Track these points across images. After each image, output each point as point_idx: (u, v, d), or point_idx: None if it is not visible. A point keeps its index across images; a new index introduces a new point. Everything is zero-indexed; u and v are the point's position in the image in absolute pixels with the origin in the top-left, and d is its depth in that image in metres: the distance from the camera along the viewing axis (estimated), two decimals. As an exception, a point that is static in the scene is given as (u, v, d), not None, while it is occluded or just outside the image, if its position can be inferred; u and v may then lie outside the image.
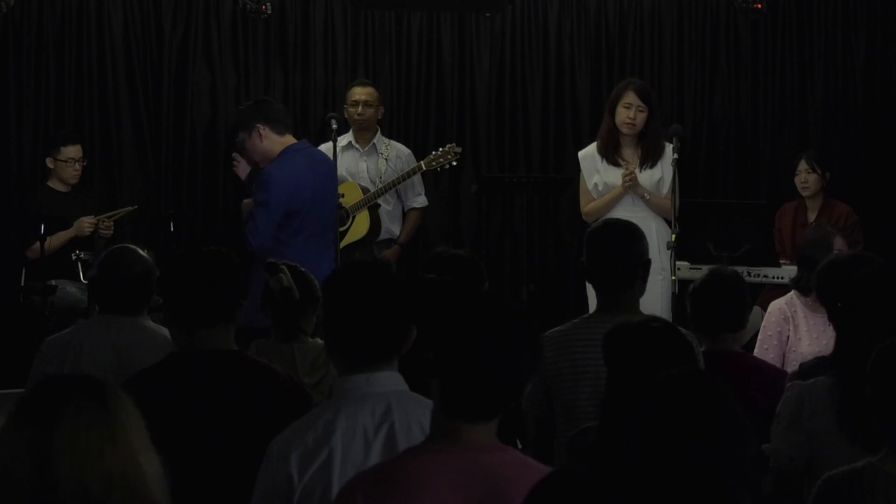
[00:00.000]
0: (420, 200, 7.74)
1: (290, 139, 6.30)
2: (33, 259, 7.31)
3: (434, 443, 2.56)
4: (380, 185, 7.45)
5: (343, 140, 7.46)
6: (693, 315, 4.49)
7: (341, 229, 7.24)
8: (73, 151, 7.58)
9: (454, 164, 7.44)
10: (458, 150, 7.40)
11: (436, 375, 2.56)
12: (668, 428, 2.25)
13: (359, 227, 7.41)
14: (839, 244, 5.86)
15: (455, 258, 4.59)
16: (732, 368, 4.25)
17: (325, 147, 7.35)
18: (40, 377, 2.27)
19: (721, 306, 4.42)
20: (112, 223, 7.45)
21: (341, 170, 7.22)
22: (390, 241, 7.62)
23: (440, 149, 7.43)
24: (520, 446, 4.43)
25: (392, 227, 7.60)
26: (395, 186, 7.44)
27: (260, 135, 6.22)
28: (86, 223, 7.39)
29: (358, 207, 7.40)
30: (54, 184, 7.62)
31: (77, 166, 7.59)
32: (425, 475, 2.48)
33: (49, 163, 7.60)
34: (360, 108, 7.55)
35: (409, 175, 7.42)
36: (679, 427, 2.25)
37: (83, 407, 2.16)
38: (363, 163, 7.59)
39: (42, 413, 2.15)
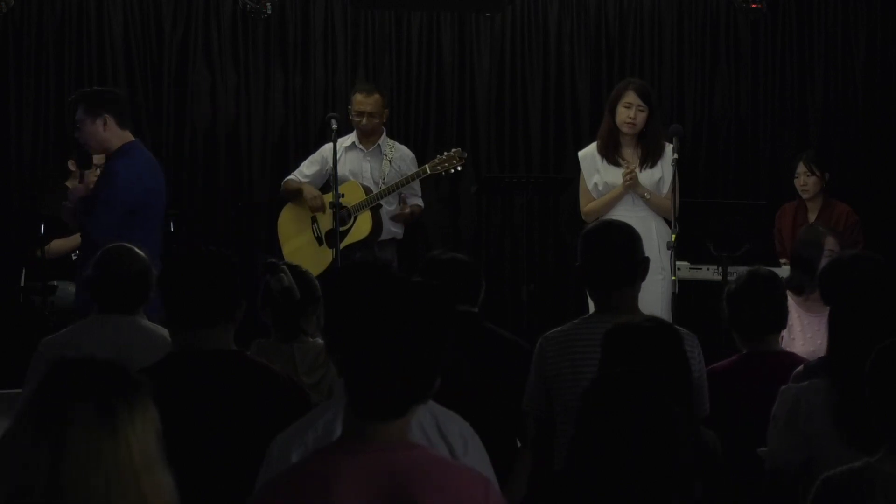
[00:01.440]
0: (417, 201, 7.69)
1: (129, 136, 6.30)
2: (46, 259, 7.35)
3: (343, 442, 2.51)
4: (383, 187, 7.42)
5: (347, 140, 7.43)
6: (732, 318, 4.48)
7: (342, 229, 7.23)
8: (96, 160, 7.58)
9: (459, 168, 7.35)
10: (465, 155, 7.31)
11: (341, 373, 2.51)
12: (601, 430, 2.27)
13: (361, 227, 7.39)
14: (830, 244, 5.83)
15: (452, 261, 4.59)
16: (778, 369, 4.24)
17: (326, 147, 7.35)
18: (44, 379, 2.22)
19: (762, 308, 4.41)
20: None
21: (343, 169, 7.20)
22: (392, 242, 7.59)
23: (445, 153, 7.34)
24: (519, 446, 4.44)
25: (393, 227, 7.58)
26: (398, 189, 7.39)
27: (105, 123, 6.20)
28: None
29: (360, 208, 7.37)
30: (73, 185, 7.60)
31: (98, 172, 7.59)
32: (332, 476, 2.44)
33: (70, 165, 7.58)
34: (364, 119, 7.49)
35: (413, 178, 7.35)
36: (613, 429, 2.26)
37: (90, 426, 2.14)
38: (367, 163, 7.55)
39: (49, 431, 2.13)
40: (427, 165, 7.34)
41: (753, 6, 8.53)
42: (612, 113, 6.81)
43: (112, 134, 6.22)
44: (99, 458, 2.11)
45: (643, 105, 6.75)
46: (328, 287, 3.17)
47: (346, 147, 7.35)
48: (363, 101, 7.49)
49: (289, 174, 7.80)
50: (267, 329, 4.70)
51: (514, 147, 8.76)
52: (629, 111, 6.75)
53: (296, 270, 4.63)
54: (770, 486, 3.67)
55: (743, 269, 4.96)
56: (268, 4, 8.19)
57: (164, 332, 4.05)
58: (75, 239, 7.38)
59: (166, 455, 2.28)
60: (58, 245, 7.36)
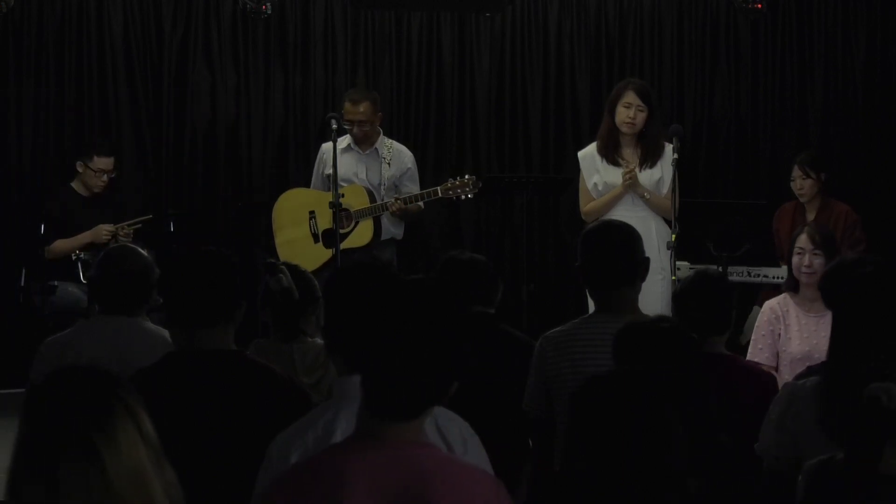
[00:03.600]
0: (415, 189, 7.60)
1: None
2: (50, 259, 7.35)
3: (356, 440, 2.52)
4: (384, 191, 7.39)
5: (342, 142, 7.36)
6: (678, 318, 4.44)
7: (342, 231, 7.21)
8: (104, 163, 7.57)
9: (471, 196, 7.25)
10: (480, 184, 7.21)
11: (358, 372, 2.52)
12: (595, 430, 2.26)
13: (362, 234, 7.34)
14: (802, 242, 5.81)
15: (470, 262, 4.61)
16: (721, 371, 4.23)
17: (326, 147, 7.33)
18: (30, 419, 2.26)
19: (707, 309, 4.38)
20: (131, 231, 7.44)
21: (340, 171, 7.16)
22: (391, 242, 7.58)
23: (459, 178, 7.23)
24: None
25: (392, 228, 7.55)
26: (406, 205, 7.31)
27: None
28: (104, 230, 7.39)
29: (364, 215, 7.34)
30: (78, 186, 7.61)
31: (105, 178, 7.58)
32: (345, 472, 2.45)
33: (79, 167, 7.58)
34: (355, 128, 7.44)
35: (422, 197, 7.25)
36: (605, 427, 2.26)
37: (75, 463, 2.16)
38: (362, 165, 7.52)
39: (42, 473, 2.17)
40: (439, 188, 7.23)
41: (753, 6, 8.53)
42: (612, 113, 6.81)
43: None
44: (89, 488, 2.14)
45: (643, 105, 6.75)
46: (329, 287, 3.15)
47: (341, 149, 7.30)
48: (352, 111, 7.41)
49: (289, 175, 7.80)
50: (267, 329, 4.70)
51: (514, 147, 8.76)
52: (629, 111, 6.74)
53: (295, 271, 4.63)
54: (765, 484, 3.67)
55: (692, 270, 4.95)
56: (268, 4, 8.19)
57: (165, 332, 4.05)
58: (80, 238, 7.39)
59: (165, 454, 2.28)
60: (61, 245, 7.36)
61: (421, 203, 7.41)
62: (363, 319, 2.52)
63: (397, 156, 7.54)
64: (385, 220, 7.46)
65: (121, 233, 7.39)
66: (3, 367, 7.58)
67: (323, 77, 8.61)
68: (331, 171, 7.17)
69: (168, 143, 8.47)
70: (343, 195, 7.01)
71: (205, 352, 3.48)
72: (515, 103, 8.77)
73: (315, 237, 7.47)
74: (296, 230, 7.50)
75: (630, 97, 6.75)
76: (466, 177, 7.24)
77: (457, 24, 8.74)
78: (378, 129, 7.57)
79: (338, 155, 7.00)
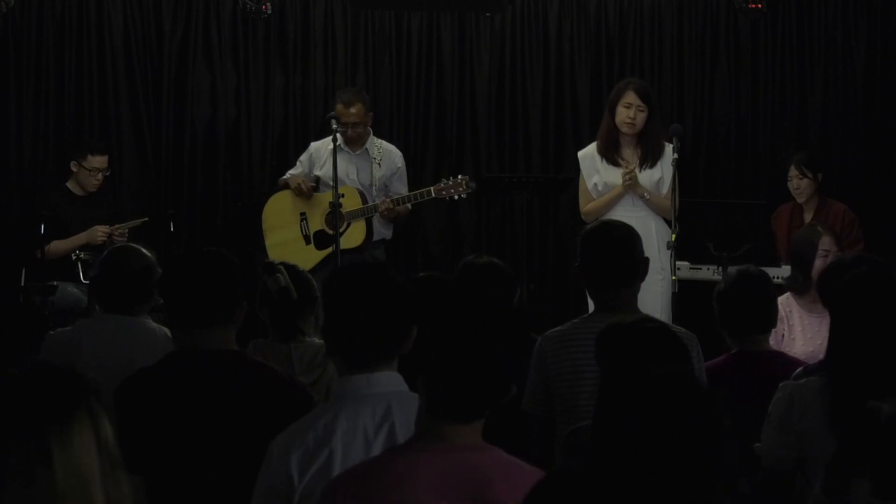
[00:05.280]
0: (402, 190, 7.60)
1: None
2: (50, 260, 7.34)
3: (419, 441, 2.56)
4: (375, 191, 7.38)
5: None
6: (722, 318, 4.48)
7: (334, 233, 7.21)
8: (99, 161, 7.58)
9: (464, 196, 7.27)
10: (473, 185, 7.23)
11: (422, 374, 2.55)
12: (653, 427, 2.25)
13: (354, 235, 7.33)
14: (826, 244, 5.83)
15: (489, 266, 4.62)
16: (768, 368, 4.25)
17: (315, 146, 7.39)
18: None
19: (752, 308, 4.42)
20: (126, 231, 7.45)
21: (328, 170, 7.16)
22: (381, 243, 7.56)
23: (451, 178, 7.24)
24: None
25: (382, 228, 7.53)
26: (400, 205, 7.31)
27: None
28: (99, 231, 7.39)
29: (356, 216, 7.33)
30: (73, 186, 7.62)
31: (100, 176, 7.59)
32: (409, 474, 2.48)
33: (73, 166, 7.59)
34: (349, 130, 7.40)
35: (414, 198, 7.25)
36: (664, 426, 2.25)
37: (25, 457, 2.17)
38: (353, 165, 7.50)
39: None
40: (432, 188, 7.24)
41: (753, 6, 8.52)
42: (612, 113, 6.81)
43: None
44: (34, 484, 2.15)
45: (643, 105, 6.76)
46: (328, 287, 3.15)
47: (331, 149, 7.31)
48: (344, 113, 7.36)
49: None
50: (266, 329, 4.71)
51: (514, 147, 8.75)
52: (629, 111, 6.75)
53: (293, 271, 4.64)
54: (764, 484, 3.67)
55: (733, 269, 4.97)
56: (268, 5, 8.19)
57: (167, 331, 4.05)
58: (75, 239, 7.39)
59: (164, 455, 2.28)
60: (57, 246, 7.35)
61: (409, 204, 7.40)
62: (431, 323, 2.57)
63: (387, 156, 7.55)
64: (375, 221, 7.45)
65: (115, 233, 7.39)
66: (2, 368, 7.55)
67: (323, 77, 8.61)
68: (320, 171, 7.21)
69: (168, 143, 8.47)
70: (343, 195, 7.02)
71: (206, 352, 3.49)
72: (515, 103, 8.76)
73: (306, 238, 7.47)
74: (286, 232, 7.51)
75: (630, 97, 6.76)
76: (459, 177, 7.24)
77: (457, 24, 8.73)
78: (369, 129, 7.55)
79: (328, 155, 7.01)
